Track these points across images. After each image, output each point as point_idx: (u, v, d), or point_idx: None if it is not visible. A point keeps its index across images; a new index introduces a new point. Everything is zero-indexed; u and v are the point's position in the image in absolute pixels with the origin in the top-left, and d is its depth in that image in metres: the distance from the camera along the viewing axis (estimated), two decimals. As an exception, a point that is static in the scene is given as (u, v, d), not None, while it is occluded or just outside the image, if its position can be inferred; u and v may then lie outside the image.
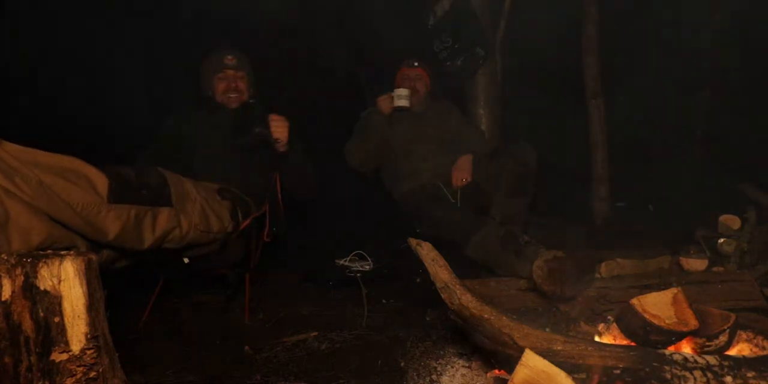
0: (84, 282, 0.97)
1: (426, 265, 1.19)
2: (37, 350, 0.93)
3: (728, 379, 0.99)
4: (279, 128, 2.14)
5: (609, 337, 1.32)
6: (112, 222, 1.32)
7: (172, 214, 1.52)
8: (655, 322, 1.14)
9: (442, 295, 1.16)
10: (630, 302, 1.19)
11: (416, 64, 2.78)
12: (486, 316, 1.11)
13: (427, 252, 1.20)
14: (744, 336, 1.31)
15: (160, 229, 1.49)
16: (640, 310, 1.16)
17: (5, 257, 0.93)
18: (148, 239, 1.45)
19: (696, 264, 1.94)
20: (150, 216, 1.45)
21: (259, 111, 2.17)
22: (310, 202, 2.44)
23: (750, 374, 0.99)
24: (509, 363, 1.07)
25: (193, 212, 1.63)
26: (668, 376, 0.99)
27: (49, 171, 1.20)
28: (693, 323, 1.14)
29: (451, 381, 1.38)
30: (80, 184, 1.26)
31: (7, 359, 0.91)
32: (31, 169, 1.15)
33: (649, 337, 1.16)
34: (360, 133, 2.73)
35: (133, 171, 1.45)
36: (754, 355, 1.16)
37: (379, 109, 2.63)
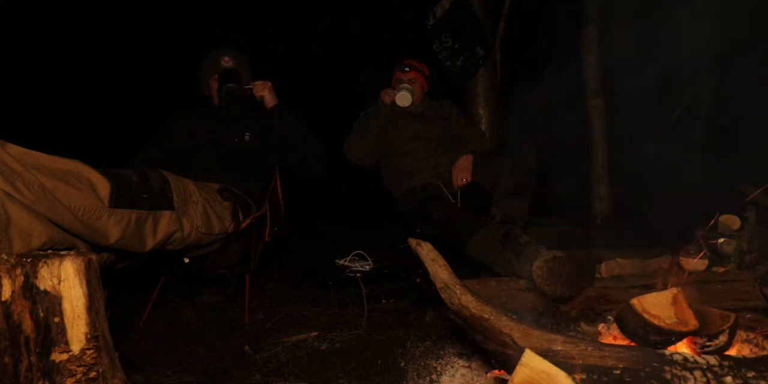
0: (84, 282, 0.97)
1: (426, 265, 1.18)
2: (37, 350, 0.93)
3: (728, 379, 0.99)
4: (260, 88, 2.27)
5: (609, 337, 1.32)
6: (113, 226, 1.31)
7: (173, 218, 1.51)
8: (655, 322, 1.13)
9: (442, 295, 1.16)
10: (630, 302, 1.19)
11: (407, 69, 2.78)
12: (486, 316, 1.11)
13: (427, 252, 1.20)
14: (744, 336, 1.31)
15: (162, 233, 1.48)
16: (640, 310, 1.16)
17: (5, 257, 0.93)
18: (150, 243, 1.44)
19: (696, 264, 1.94)
20: (151, 220, 1.44)
21: (231, 75, 2.24)
22: (309, 202, 2.44)
23: (750, 374, 0.99)
24: (509, 363, 1.07)
25: (195, 214, 1.62)
26: (668, 376, 0.99)
27: (50, 174, 1.18)
28: (693, 323, 1.14)
29: (451, 381, 1.38)
30: (82, 188, 1.24)
31: (7, 359, 0.91)
32: (33, 172, 1.13)
33: (649, 337, 1.16)
34: (361, 128, 2.74)
35: (135, 174, 1.44)
36: (754, 355, 1.16)
37: (383, 102, 2.66)
